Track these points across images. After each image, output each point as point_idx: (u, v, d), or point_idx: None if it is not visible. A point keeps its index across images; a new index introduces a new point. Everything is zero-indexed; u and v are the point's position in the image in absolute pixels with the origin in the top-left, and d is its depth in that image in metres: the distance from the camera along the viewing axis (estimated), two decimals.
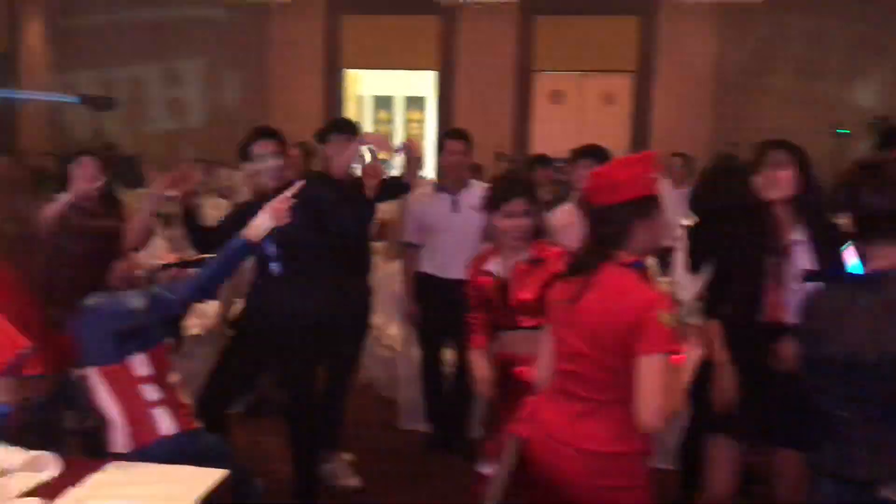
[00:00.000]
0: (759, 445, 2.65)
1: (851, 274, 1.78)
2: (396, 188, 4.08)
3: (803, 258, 2.53)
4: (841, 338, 1.70)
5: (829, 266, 2.44)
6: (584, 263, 2.03)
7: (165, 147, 14.51)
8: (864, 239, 1.77)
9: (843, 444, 1.74)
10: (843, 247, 2.23)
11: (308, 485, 3.31)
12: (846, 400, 1.71)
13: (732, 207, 2.72)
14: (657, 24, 15.05)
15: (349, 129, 3.88)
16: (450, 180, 4.05)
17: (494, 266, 2.78)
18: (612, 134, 14.96)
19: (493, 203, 2.74)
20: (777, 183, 2.55)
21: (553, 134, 14.67)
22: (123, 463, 2.08)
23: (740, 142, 12.73)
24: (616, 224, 1.97)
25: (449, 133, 4.19)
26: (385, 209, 8.53)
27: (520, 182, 2.78)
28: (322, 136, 3.87)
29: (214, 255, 2.53)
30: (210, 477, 1.97)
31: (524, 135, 15.47)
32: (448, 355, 4.27)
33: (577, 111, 15.56)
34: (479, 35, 15.01)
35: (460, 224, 3.97)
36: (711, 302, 2.70)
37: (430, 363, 4.21)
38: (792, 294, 2.49)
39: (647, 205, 1.98)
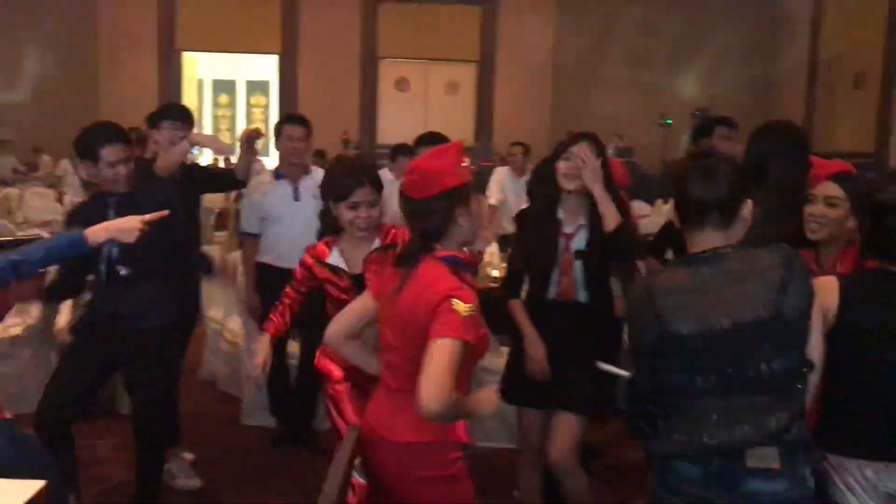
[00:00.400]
0: (539, 407, 2.85)
1: (685, 256, 1.85)
2: (228, 181, 3.96)
3: (581, 241, 2.77)
4: (691, 312, 1.75)
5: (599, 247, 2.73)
6: (406, 257, 2.04)
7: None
8: (688, 226, 1.85)
9: (698, 418, 1.75)
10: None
11: (153, 489, 3.17)
12: (705, 372, 1.74)
13: (549, 196, 2.85)
14: (499, 15, 15.45)
15: (182, 115, 3.70)
16: (290, 167, 3.96)
17: (336, 259, 2.65)
18: (457, 122, 15.26)
19: (335, 193, 2.60)
20: (575, 174, 2.72)
21: (399, 121, 14.76)
22: None
23: (577, 131, 13.37)
24: (435, 216, 1.99)
25: (287, 118, 4.07)
26: (218, 199, 8.29)
27: (363, 170, 2.63)
28: (153, 121, 3.67)
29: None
30: (26, 489, 1.83)
31: (370, 121, 15.45)
32: (292, 348, 4.20)
33: (422, 99, 15.73)
34: (323, 20, 14.82)
35: (302, 212, 3.90)
36: (514, 281, 2.93)
37: (274, 357, 4.09)
38: (578, 274, 2.76)
39: (462, 194, 2.00)
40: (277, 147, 4.02)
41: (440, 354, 1.83)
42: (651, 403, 1.86)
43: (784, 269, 1.71)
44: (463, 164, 2.02)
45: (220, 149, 4.16)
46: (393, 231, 2.65)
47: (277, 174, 3.99)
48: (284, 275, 3.89)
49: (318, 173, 4.03)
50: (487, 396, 1.98)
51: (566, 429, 2.72)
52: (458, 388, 1.87)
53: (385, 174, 6.15)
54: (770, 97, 16.23)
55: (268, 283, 3.97)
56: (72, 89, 14.28)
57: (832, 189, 2.34)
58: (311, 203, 3.95)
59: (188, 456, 3.87)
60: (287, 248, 3.91)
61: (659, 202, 11.17)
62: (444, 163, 2.00)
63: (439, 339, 1.85)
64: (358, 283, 2.57)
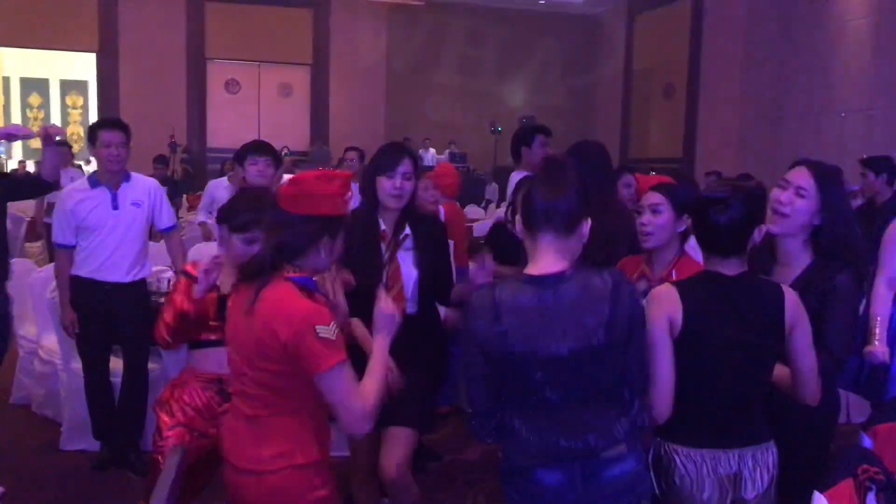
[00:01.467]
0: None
1: (530, 276, 1.89)
2: (35, 186, 3.70)
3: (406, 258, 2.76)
4: (535, 337, 1.82)
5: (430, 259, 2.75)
6: (256, 272, 1.95)
7: None
8: (531, 231, 1.89)
9: (551, 426, 1.85)
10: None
11: None
12: (551, 387, 1.83)
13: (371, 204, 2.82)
14: (330, 18, 15.36)
15: None
16: (107, 174, 3.74)
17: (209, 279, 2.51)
18: (291, 125, 15.03)
19: (230, 222, 2.54)
20: (395, 193, 2.71)
21: (230, 124, 14.31)
22: None
23: (410, 136, 13.56)
24: (300, 235, 1.93)
25: (102, 123, 3.84)
26: (29, 207, 7.68)
27: (263, 207, 2.45)
28: None
29: None
30: None
31: (200, 124, 14.87)
32: (115, 364, 3.96)
33: (254, 101, 15.34)
34: (144, 16, 14.10)
35: (121, 222, 3.71)
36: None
37: (95, 375, 3.87)
38: (408, 283, 2.74)
39: (334, 225, 1.97)
40: (93, 154, 3.80)
41: (337, 384, 1.85)
42: (499, 407, 1.93)
43: (611, 299, 1.82)
44: (346, 197, 1.99)
45: (20, 133, 3.80)
46: None
47: (93, 182, 3.76)
48: (103, 288, 3.71)
49: (138, 180, 3.84)
50: (384, 320, 2.05)
51: (400, 444, 2.67)
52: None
53: (222, 182, 5.92)
54: (589, 106, 17.25)
55: (84, 297, 3.74)
56: None
57: (653, 197, 2.55)
58: (130, 212, 3.76)
59: None
60: (105, 260, 3.72)
61: (491, 206, 11.53)
62: (330, 188, 1.95)
63: (325, 371, 1.84)
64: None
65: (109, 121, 3.92)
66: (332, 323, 1.88)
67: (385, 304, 2.09)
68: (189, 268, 2.63)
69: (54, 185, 3.69)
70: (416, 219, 2.83)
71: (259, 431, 1.94)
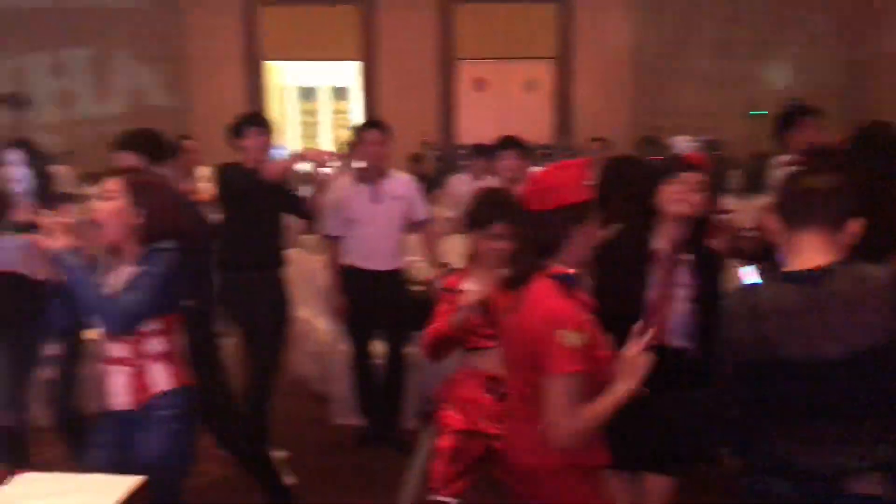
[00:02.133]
0: (631, 472, 2.56)
1: (790, 273, 1.73)
2: (301, 212, 4.00)
3: (685, 277, 2.50)
4: (800, 338, 1.67)
5: (707, 288, 2.45)
6: (518, 276, 1.98)
7: (90, 143, 14.05)
8: (792, 226, 1.75)
9: (800, 439, 1.70)
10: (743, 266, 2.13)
11: (272, 482, 3.28)
12: (813, 396, 1.67)
13: (630, 207, 2.66)
14: (575, 10, 15.27)
15: (265, 122, 3.85)
16: (368, 171, 4.03)
17: (471, 286, 2.56)
18: (536, 120, 15.17)
19: (475, 223, 2.62)
20: (686, 201, 2.50)
21: (478, 121, 14.78)
22: (39, 474, 2.02)
23: (661, 125, 13.07)
24: (549, 230, 1.94)
25: (365, 124, 4.16)
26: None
27: (503, 203, 2.60)
28: (237, 129, 3.81)
29: None
30: (126, 484, 1.93)
31: (449, 123, 15.51)
32: (378, 348, 4.26)
33: (501, 98, 15.68)
34: (401, 23, 14.96)
35: (381, 214, 3.98)
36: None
37: (360, 357, 4.19)
38: (678, 315, 2.45)
39: (580, 211, 1.95)
40: (356, 151, 4.10)
41: (557, 393, 1.83)
42: (746, 414, 1.80)
43: (894, 293, 1.64)
44: (585, 182, 1.98)
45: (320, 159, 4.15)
46: None
47: (357, 177, 4.06)
48: (368, 276, 4.01)
49: (396, 176, 4.10)
50: (629, 368, 1.87)
51: (659, 493, 2.54)
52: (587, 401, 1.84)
53: (462, 177, 6.19)
54: (866, 83, 15.46)
55: (352, 284, 4.06)
56: (167, 100, 14.89)
57: None
58: (390, 205, 4.03)
59: (281, 454, 3.98)
60: (369, 249, 4.01)
61: (748, 197, 10.77)
62: (567, 177, 1.96)
63: (551, 376, 1.83)
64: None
65: (371, 122, 4.24)
66: (583, 329, 1.84)
67: (633, 349, 1.91)
68: (451, 281, 2.69)
69: (311, 217, 4.03)
70: (699, 236, 2.56)
71: (523, 427, 1.96)
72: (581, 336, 1.83)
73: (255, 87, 15.39)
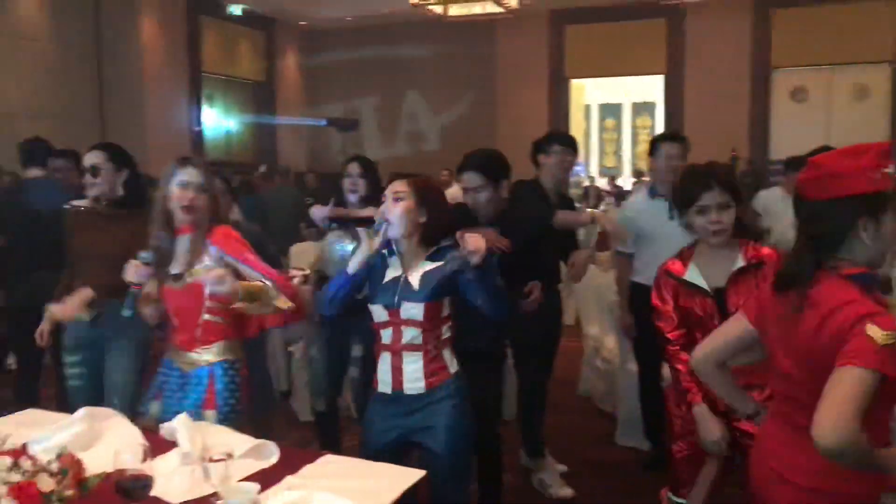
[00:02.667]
0: None
1: None
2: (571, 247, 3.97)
3: None
4: None
5: None
6: (797, 273, 1.76)
7: (409, 157, 15.46)
8: None
9: None
10: None
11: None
12: None
13: None
14: None
15: (569, 141, 3.90)
16: (665, 185, 3.89)
17: (693, 276, 2.50)
18: (865, 132, 13.57)
19: (684, 198, 2.48)
20: None
21: (795, 134, 13.61)
22: (337, 457, 2.23)
23: None
24: (829, 222, 1.70)
25: (663, 136, 4.02)
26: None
27: (710, 173, 2.44)
28: (541, 146, 3.88)
29: None
30: (411, 476, 2.06)
31: (762, 136, 14.50)
32: (664, 370, 4.09)
33: (823, 108, 14.29)
34: (709, 34, 14.33)
35: (677, 232, 3.79)
36: None
37: (649, 378, 4.05)
38: None
39: (874, 203, 1.69)
40: (653, 165, 3.98)
41: (844, 384, 1.57)
42: None
43: None
44: (884, 170, 1.70)
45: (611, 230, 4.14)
46: (752, 247, 2.44)
47: (652, 192, 3.94)
48: None
49: None
50: None
51: None
52: (870, 431, 1.59)
53: (774, 192, 5.76)
54: None
55: (641, 302, 3.93)
56: (474, 122, 15.79)
57: None
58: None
59: (560, 467, 3.99)
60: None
61: None
62: (857, 163, 1.69)
63: (845, 366, 1.58)
64: (720, 302, 2.41)
65: (670, 134, 4.10)
66: (892, 331, 1.58)
67: None
68: (674, 266, 2.59)
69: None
70: None
71: (809, 441, 1.76)
72: (891, 336, 1.57)
73: (558, 104, 15.75)
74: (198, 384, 2.58)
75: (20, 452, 1.76)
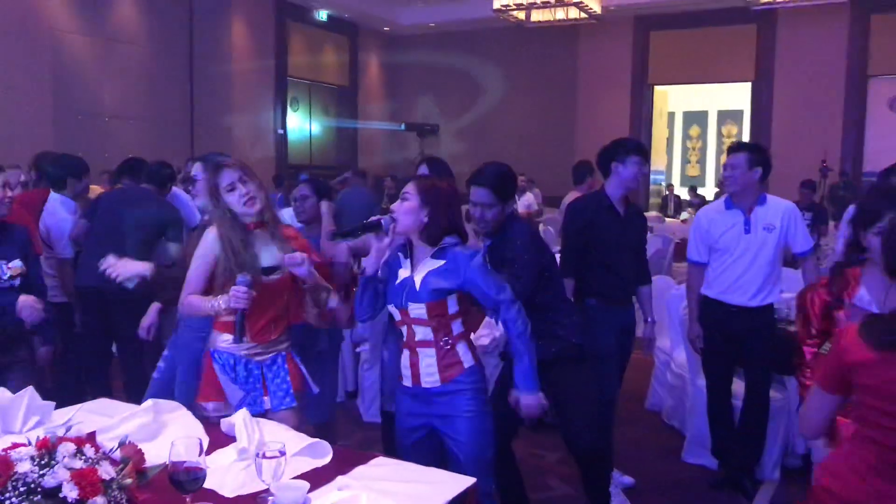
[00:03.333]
0: None
1: None
2: None
3: None
4: None
5: None
6: None
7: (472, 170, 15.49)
8: None
9: None
10: None
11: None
12: None
13: None
14: None
15: (640, 151, 3.75)
16: (738, 196, 3.77)
17: (863, 301, 2.36)
18: None
19: (865, 218, 2.37)
20: None
21: (891, 145, 12.98)
22: (388, 459, 2.25)
23: None
24: None
25: (734, 146, 3.88)
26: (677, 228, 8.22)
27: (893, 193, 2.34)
28: (617, 154, 3.74)
29: None
30: (461, 483, 2.05)
31: (857, 147, 13.89)
32: (735, 386, 3.96)
33: None
34: (802, 40, 13.83)
35: (751, 244, 3.70)
36: None
37: (717, 395, 3.94)
38: None
39: None
40: (727, 176, 3.86)
41: None
42: None
43: None
44: None
45: None
46: None
47: (728, 203, 3.83)
48: (732, 309, 3.74)
49: (772, 203, 3.77)
50: None
51: None
52: None
53: None
54: None
55: (714, 316, 3.83)
56: (552, 129, 15.68)
57: None
58: (762, 237, 3.71)
59: (627, 479, 3.92)
60: (733, 282, 3.74)
61: None
62: None
63: None
64: None
65: (739, 144, 3.96)
66: None
67: None
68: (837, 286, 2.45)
69: None
70: None
71: None
72: None
73: (640, 111, 15.48)
74: (277, 370, 2.72)
75: (84, 440, 1.84)
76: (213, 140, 12.08)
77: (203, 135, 12.59)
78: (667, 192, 16.06)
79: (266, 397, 2.69)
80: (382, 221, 2.54)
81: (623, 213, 3.69)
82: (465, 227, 2.60)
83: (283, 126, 14.89)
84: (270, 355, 2.73)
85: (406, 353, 2.59)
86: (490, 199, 2.99)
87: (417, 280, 2.51)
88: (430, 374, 2.54)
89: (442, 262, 2.50)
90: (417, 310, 2.50)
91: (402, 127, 16.18)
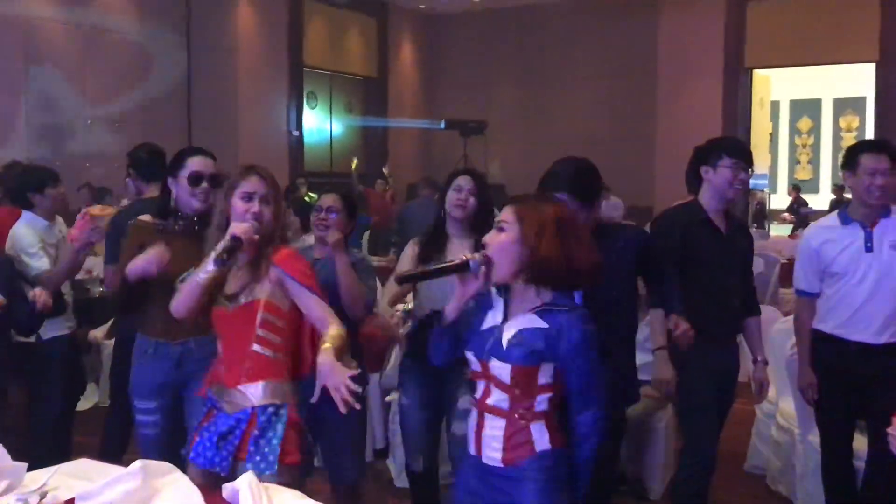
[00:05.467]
0: None
1: None
2: None
3: None
4: None
5: None
6: None
7: (527, 178, 15.48)
8: None
9: None
10: None
11: None
12: None
13: None
14: None
15: (740, 153, 3.69)
16: (863, 209, 3.72)
17: None
18: None
19: None
20: None
21: None
22: None
23: None
24: None
25: (865, 145, 3.83)
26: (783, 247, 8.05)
27: None
28: (706, 156, 3.71)
29: None
30: None
31: None
32: (859, 444, 3.90)
33: None
34: None
35: (875, 267, 3.64)
36: None
37: (835, 454, 3.87)
38: None
39: None
40: (850, 181, 3.80)
41: None
42: None
43: None
44: None
45: None
46: None
47: (844, 217, 3.77)
48: (853, 347, 3.69)
49: None
50: None
51: None
52: None
53: None
54: None
55: (830, 356, 3.77)
56: (629, 123, 15.61)
57: None
58: (888, 255, 3.66)
59: None
60: (854, 313, 3.69)
61: None
62: None
63: None
64: None
65: (871, 142, 3.92)
66: None
67: None
68: None
69: None
70: None
71: None
72: None
73: (735, 100, 15.35)
74: (235, 428, 2.71)
75: None
76: (214, 145, 12.18)
77: (202, 138, 12.79)
78: (756, 202, 15.25)
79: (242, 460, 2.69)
80: (471, 263, 2.47)
81: (725, 230, 3.65)
82: (593, 273, 2.51)
83: (299, 126, 15.08)
84: (241, 409, 2.72)
85: (474, 414, 2.57)
86: (571, 206, 2.98)
87: (509, 333, 2.47)
88: (493, 449, 2.51)
89: (545, 325, 2.45)
90: (500, 368, 2.46)
91: (443, 125, 16.26)
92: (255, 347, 2.72)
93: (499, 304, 2.53)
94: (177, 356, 3.36)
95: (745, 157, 3.69)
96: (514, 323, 2.48)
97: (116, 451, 4.38)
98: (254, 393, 2.72)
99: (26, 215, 4.55)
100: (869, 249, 3.69)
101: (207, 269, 2.68)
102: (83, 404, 5.73)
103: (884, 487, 3.77)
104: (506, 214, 2.49)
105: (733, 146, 3.74)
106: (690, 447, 3.73)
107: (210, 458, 2.73)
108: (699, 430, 3.68)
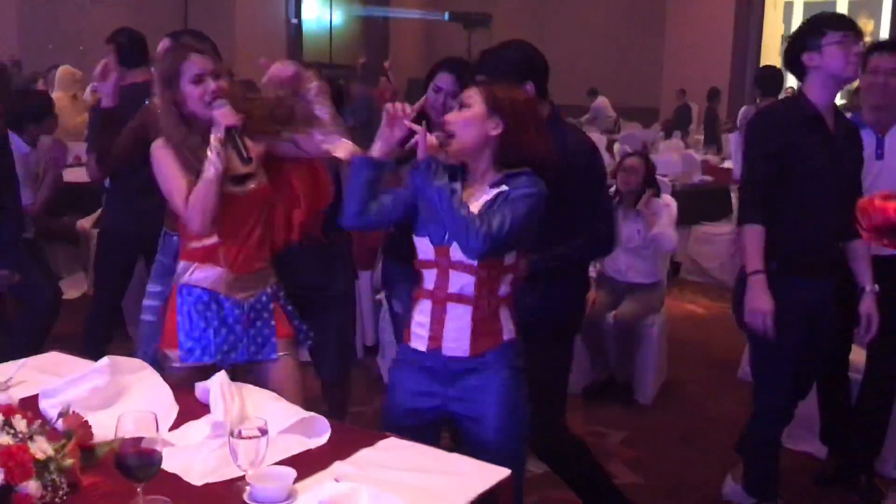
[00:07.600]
0: None
1: None
2: None
3: None
4: None
5: None
6: None
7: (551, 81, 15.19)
8: None
9: None
10: None
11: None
12: None
13: None
14: None
15: (846, 24, 3.11)
16: (874, 112, 3.58)
17: None
18: None
19: None
20: None
21: None
22: (401, 442, 2.17)
23: None
24: None
25: (876, 45, 3.65)
26: None
27: None
28: (808, 40, 3.10)
29: None
30: (490, 476, 1.98)
31: None
32: (856, 355, 3.84)
33: None
34: None
35: (885, 175, 3.53)
36: None
37: (829, 365, 3.80)
38: None
39: None
40: (862, 82, 3.67)
41: None
42: None
43: None
44: None
45: None
46: None
47: (858, 121, 3.63)
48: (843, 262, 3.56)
49: None
50: None
51: None
52: None
53: None
54: None
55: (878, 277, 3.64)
56: (636, 24, 15.23)
57: None
58: None
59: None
60: None
61: None
62: None
63: None
64: None
65: (882, 42, 3.77)
66: None
67: None
68: None
69: None
70: None
71: None
72: None
73: (747, 2, 14.97)
74: (261, 310, 2.71)
75: (15, 408, 1.79)
76: (209, 32, 11.97)
77: (198, 23, 12.49)
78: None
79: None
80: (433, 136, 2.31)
81: (833, 130, 3.18)
82: (553, 161, 2.38)
83: (298, 14, 14.75)
84: (254, 295, 2.70)
85: (427, 306, 2.39)
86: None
87: (474, 210, 2.28)
88: (455, 340, 2.36)
89: (501, 188, 2.31)
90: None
91: (446, 16, 15.82)
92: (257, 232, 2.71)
93: (456, 185, 2.35)
94: None
95: (852, 27, 3.14)
96: (475, 200, 2.33)
97: (100, 341, 4.34)
98: (268, 274, 2.76)
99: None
100: (879, 156, 3.58)
101: (213, 161, 2.55)
102: (72, 293, 5.69)
103: (878, 401, 3.72)
104: (470, 93, 2.38)
105: (835, 18, 3.19)
106: (761, 395, 3.37)
107: (203, 349, 2.67)
108: (775, 377, 3.30)
